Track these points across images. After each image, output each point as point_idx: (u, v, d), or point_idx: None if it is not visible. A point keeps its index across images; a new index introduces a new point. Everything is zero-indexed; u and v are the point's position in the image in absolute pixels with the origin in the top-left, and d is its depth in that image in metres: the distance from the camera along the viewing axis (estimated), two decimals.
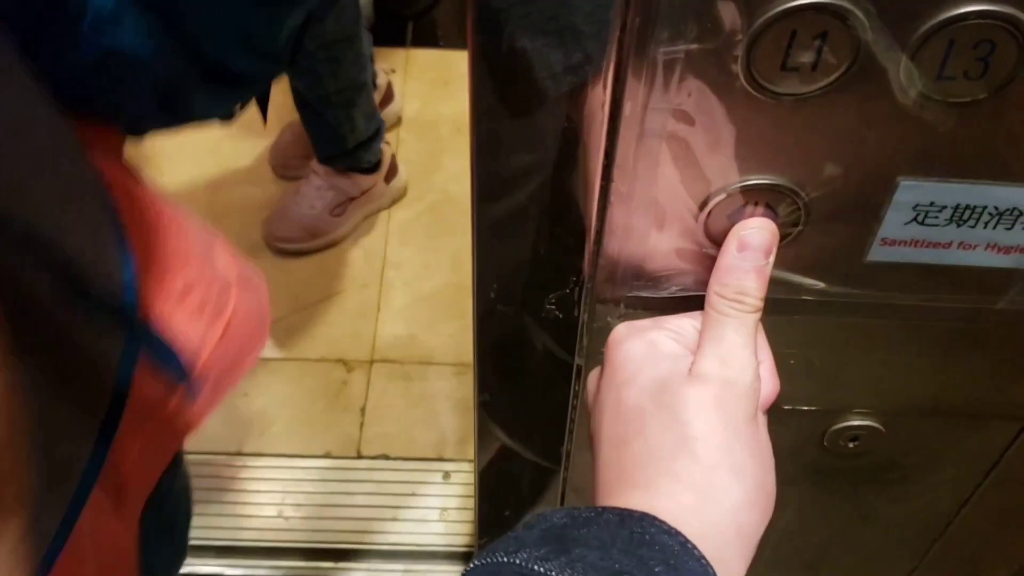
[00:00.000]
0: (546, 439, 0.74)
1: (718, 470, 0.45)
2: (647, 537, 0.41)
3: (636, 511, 0.43)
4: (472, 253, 0.55)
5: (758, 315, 0.49)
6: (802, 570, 0.84)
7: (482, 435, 0.75)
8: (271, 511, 1.66)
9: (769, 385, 0.50)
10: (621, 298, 0.54)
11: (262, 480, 1.69)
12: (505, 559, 0.40)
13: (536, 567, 0.39)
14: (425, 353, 1.85)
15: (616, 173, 0.47)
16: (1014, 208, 0.48)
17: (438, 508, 1.67)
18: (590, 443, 0.52)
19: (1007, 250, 0.51)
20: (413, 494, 1.69)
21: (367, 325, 1.88)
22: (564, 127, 0.53)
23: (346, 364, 1.82)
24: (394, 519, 1.67)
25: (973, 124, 0.45)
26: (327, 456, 1.72)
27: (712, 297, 0.49)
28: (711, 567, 0.41)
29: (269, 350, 1.84)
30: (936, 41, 0.41)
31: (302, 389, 1.80)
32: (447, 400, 1.78)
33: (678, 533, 0.42)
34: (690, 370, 0.48)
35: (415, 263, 1.96)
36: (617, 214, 0.50)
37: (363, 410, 1.77)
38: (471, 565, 0.41)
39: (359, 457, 1.72)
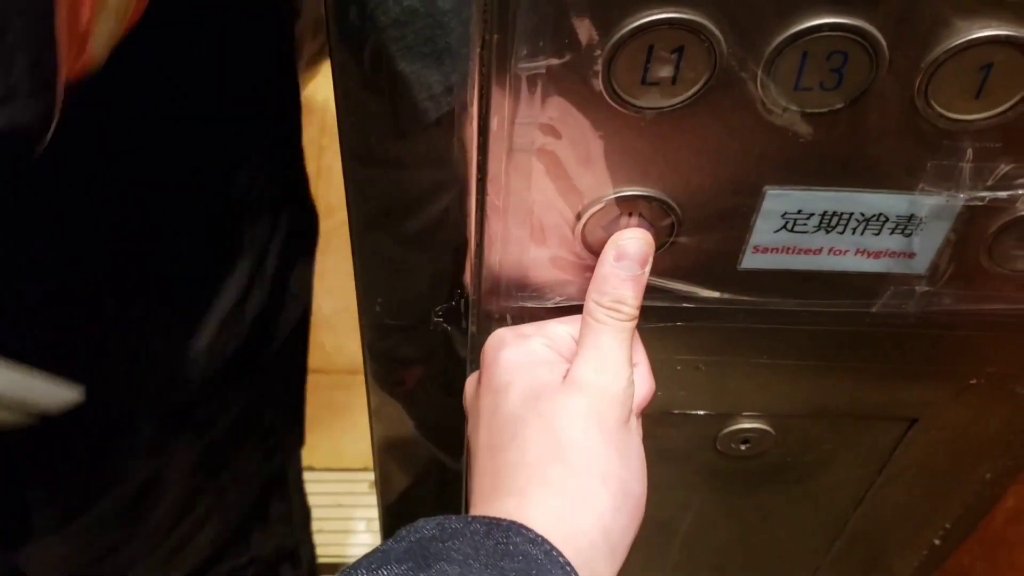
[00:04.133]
0: (449, 444, 0.74)
1: (587, 476, 0.46)
2: (511, 547, 0.41)
3: (504, 520, 0.43)
4: (354, 266, 0.55)
5: (634, 323, 0.50)
6: (708, 573, 0.85)
7: (383, 446, 0.75)
8: None
9: (644, 387, 0.51)
10: (507, 309, 0.55)
11: None
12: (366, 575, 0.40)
13: None
14: (350, 363, 1.83)
15: (489, 187, 0.48)
16: (880, 214, 0.50)
17: (365, 519, 1.66)
18: (467, 448, 0.53)
19: (877, 255, 0.52)
20: (339, 505, 1.68)
21: None
22: (444, 143, 0.53)
23: None
24: (320, 531, 1.65)
25: (833, 133, 0.46)
26: None
27: (590, 305, 0.50)
28: (575, 573, 0.42)
29: None
30: (790, 53, 0.42)
31: None
32: None
33: (544, 541, 0.42)
34: (566, 376, 0.49)
35: (339, 272, 1.93)
36: (494, 226, 0.50)
37: None
38: None
39: None
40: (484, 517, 0.44)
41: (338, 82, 0.48)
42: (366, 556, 0.42)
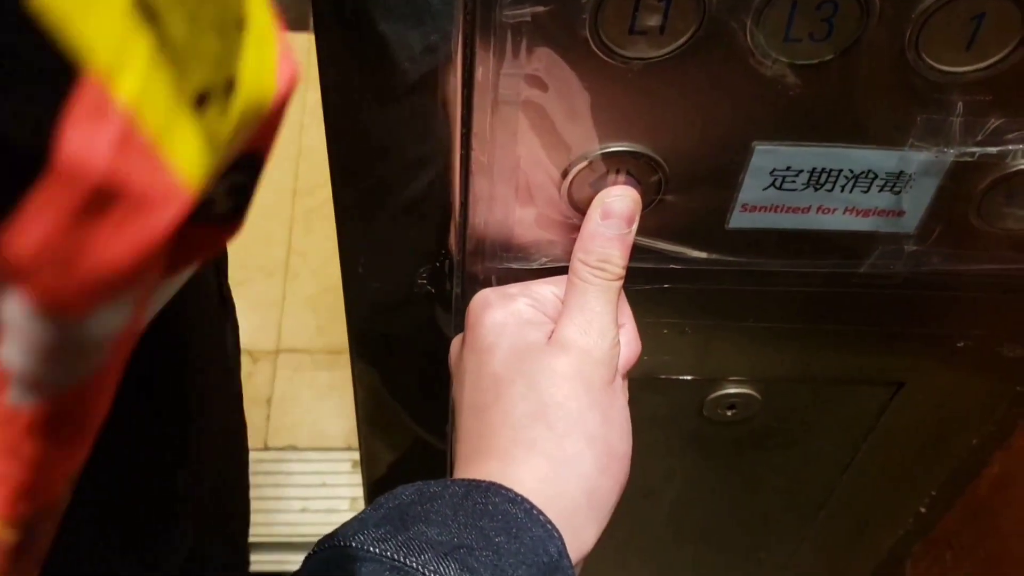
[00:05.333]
0: (432, 417, 0.74)
1: (571, 437, 0.45)
2: (490, 507, 0.41)
3: (483, 481, 0.43)
4: (336, 227, 0.54)
5: (620, 282, 0.49)
6: (694, 543, 0.84)
7: (367, 420, 0.74)
8: None
9: (630, 349, 0.50)
10: (492, 271, 0.54)
11: None
12: (343, 543, 0.40)
13: (373, 549, 0.39)
14: (332, 343, 1.83)
15: (475, 142, 0.47)
16: (869, 170, 0.49)
17: (348, 498, 1.65)
18: (451, 409, 0.52)
19: (865, 213, 0.51)
20: (323, 484, 1.67)
21: (272, 315, 1.85)
22: (425, 105, 0.52)
23: (251, 355, 1.80)
24: (303, 510, 1.65)
25: (823, 86, 0.45)
26: None
27: (576, 264, 0.49)
28: (557, 531, 0.41)
29: None
30: (780, 2, 0.41)
31: None
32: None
33: (524, 500, 0.42)
34: (551, 337, 0.48)
35: (321, 251, 1.93)
36: (479, 184, 0.49)
37: (269, 401, 1.75)
38: (312, 551, 0.41)
39: (266, 449, 1.70)
40: (463, 480, 0.43)
41: (321, 48, 0.47)
42: (344, 524, 0.42)
